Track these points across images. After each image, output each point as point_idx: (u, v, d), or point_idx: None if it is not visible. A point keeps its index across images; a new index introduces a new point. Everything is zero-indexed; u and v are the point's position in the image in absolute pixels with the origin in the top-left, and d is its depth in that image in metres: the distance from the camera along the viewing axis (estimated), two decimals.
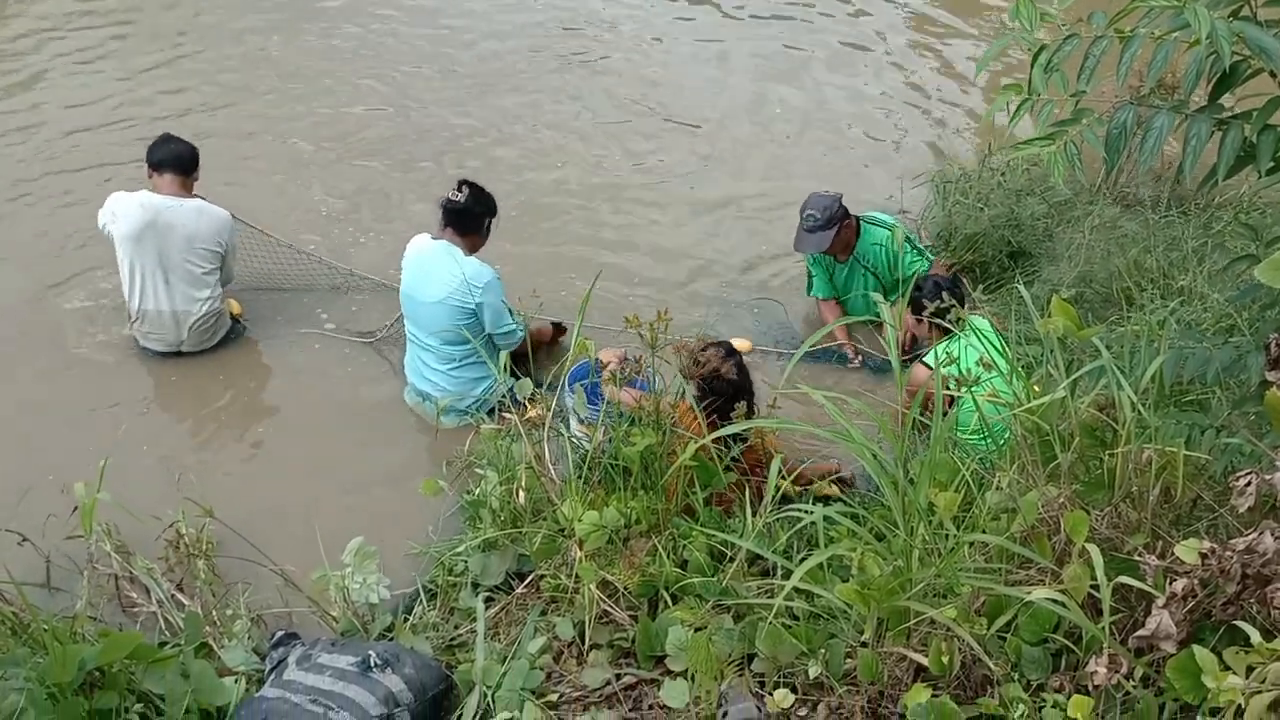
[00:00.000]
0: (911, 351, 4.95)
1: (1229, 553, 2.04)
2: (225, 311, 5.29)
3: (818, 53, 8.41)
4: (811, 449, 4.50)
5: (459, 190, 4.53)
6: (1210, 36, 2.21)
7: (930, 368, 3.74)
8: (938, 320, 3.25)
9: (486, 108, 7.56)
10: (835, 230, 5.09)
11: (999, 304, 5.11)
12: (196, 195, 5.12)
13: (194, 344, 5.20)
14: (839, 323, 4.79)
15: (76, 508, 3.15)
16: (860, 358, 5.35)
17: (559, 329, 5.22)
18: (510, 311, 4.64)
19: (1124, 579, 2.24)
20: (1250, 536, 2.03)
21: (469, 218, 4.58)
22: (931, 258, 5.35)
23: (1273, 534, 2.02)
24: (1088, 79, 2.48)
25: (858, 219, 5.28)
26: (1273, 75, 2.36)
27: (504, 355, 3.79)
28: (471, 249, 4.64)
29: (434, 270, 4.58)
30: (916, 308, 3.95)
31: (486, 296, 4.53)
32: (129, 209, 4.94)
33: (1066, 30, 2.52)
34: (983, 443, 3.48)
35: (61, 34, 8.25)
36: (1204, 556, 2.08)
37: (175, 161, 4.99)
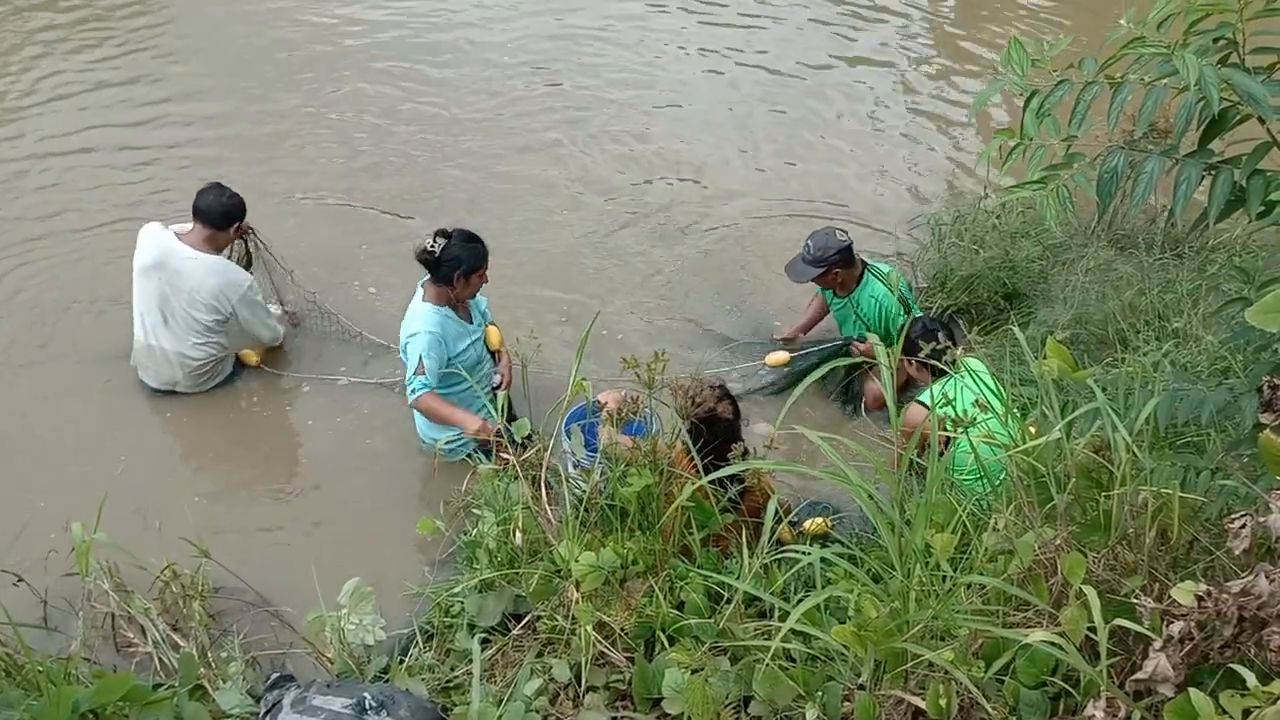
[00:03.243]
0: (904, 394, 4.96)
1: (1225, 595, 2.03)
2: (227, 358, 5.33)
3: (813, 88, 8.50)
4: (809, 488, 4.50)
5: (434, 240, 4.48)
6: (1199, 83, 2.25)
7: (926, 407, 3.75)
8: (931, 362, 3.27)
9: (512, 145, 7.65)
10: (820, 271, 5.18)
11: (994, 345, 5.13)
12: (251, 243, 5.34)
13: (189, 386, 5.25)
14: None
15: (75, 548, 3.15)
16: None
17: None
18: (414, 371, 4.56)
19: (1121, 622, 2.24)
20: (1246, 579, 2.03)
21: (435, 269, 4.53)
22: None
23: (1268, 577, 2.02)
24: (1079, 124, 2.52)
25: (865, 267, 5.33)
26: (1261, 121, 2.39)
27: (501, 397, 3.79)
28: (441, 298, 4.61)
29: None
30: (910, 350, 3.97)
31: (407, 344, 4.55)
32: (147, 244, 5.03)
33: (1057, 76, 2.56)
34: (978, 484, 3.48)
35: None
36: (1200, 599, 2.07)
37: (205, 214, 5.03)
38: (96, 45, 8.78)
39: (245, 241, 5.37)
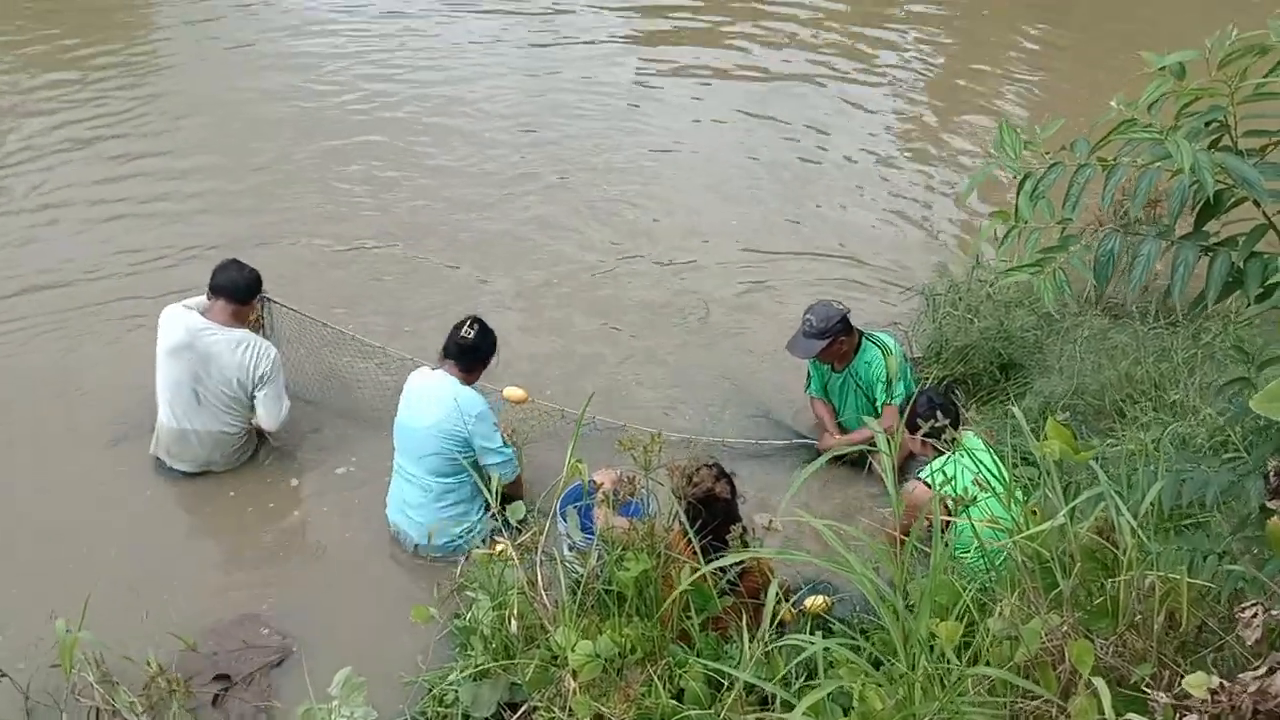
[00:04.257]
0: (906, 470, 4.91)
1: (1239, 689, 1.99)
2: (254, 430, 5.29)
3: (807, 160, 8.57)
4: (809, 567, 4.43)
5: (470, 328, 4.57)
6: (1193, 167, 2.25)
7: (928, 485, 3.71)
8: (931, 440, 3.23)
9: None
10: (827, 342, 5.11)
11: (992, 418, 5.09)
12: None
13: (225, 464, 5.21)
14: (838, 447, 4.72)
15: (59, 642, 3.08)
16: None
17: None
18: (503, 441, 4.64)
19: (1132, 716, 2.18)
20: (1260, 675, 1.98)
21: (474, 355, 4.62)
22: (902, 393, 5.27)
23: None
24: (1073, 207, 2.52)
25: (861, 335, 5.31)
26: (1257, 204, 2.39)
27: (496, 482, 3.72)
28: (472, 382, 4.66)
29: (429, 396, 4.58)
30: (912, 426, 3.93)
31: (477, 426, 4.53)
32: (173, 327, 4.97)
33: (1050, 159, 2.56)
34: (981, 564, 3.44)
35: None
36: (1214, 693, 2.02)
37: (230, 290, 5.01)
38: (78, 106, 8.90)
39: (261, 309, 5.35)
